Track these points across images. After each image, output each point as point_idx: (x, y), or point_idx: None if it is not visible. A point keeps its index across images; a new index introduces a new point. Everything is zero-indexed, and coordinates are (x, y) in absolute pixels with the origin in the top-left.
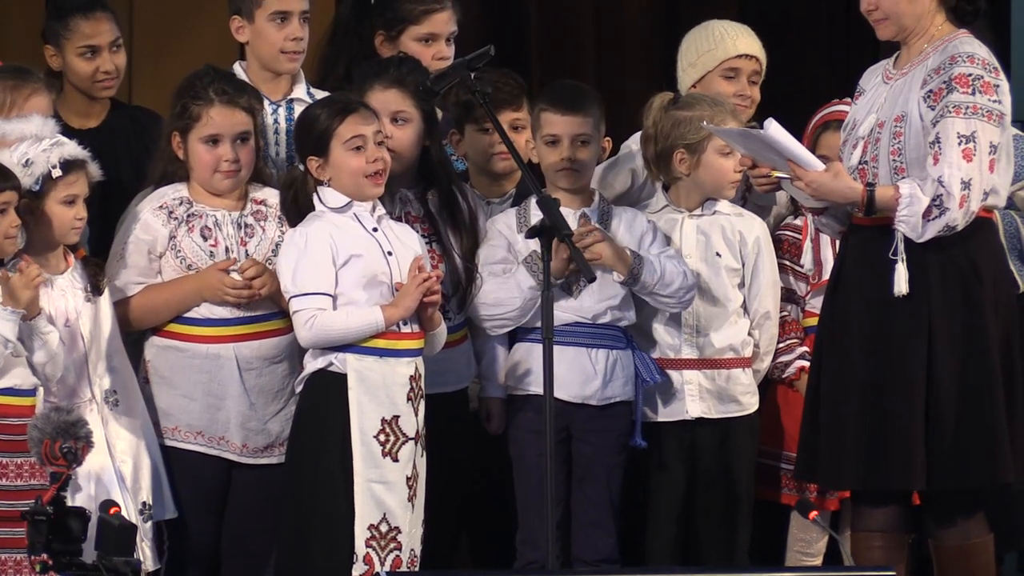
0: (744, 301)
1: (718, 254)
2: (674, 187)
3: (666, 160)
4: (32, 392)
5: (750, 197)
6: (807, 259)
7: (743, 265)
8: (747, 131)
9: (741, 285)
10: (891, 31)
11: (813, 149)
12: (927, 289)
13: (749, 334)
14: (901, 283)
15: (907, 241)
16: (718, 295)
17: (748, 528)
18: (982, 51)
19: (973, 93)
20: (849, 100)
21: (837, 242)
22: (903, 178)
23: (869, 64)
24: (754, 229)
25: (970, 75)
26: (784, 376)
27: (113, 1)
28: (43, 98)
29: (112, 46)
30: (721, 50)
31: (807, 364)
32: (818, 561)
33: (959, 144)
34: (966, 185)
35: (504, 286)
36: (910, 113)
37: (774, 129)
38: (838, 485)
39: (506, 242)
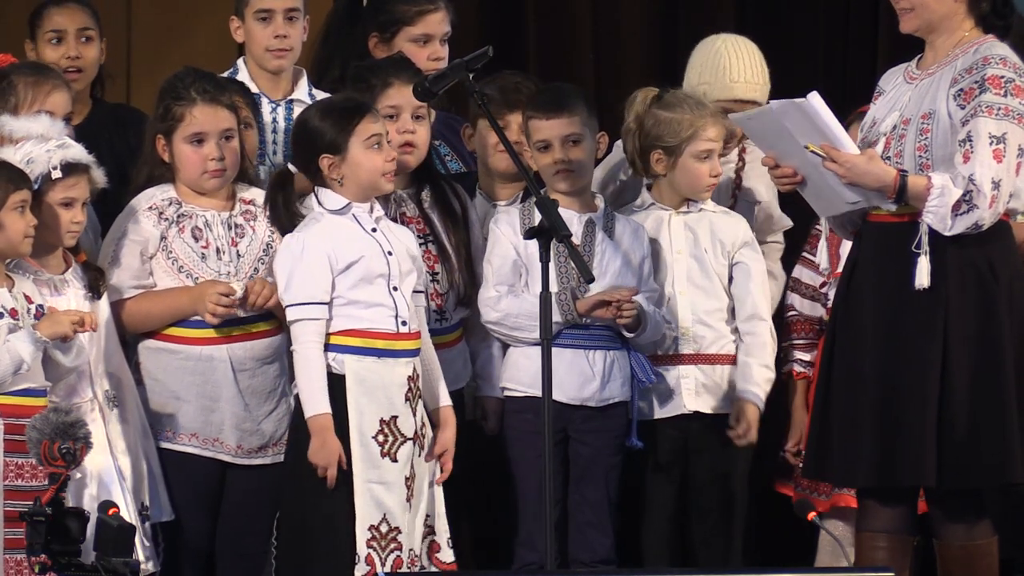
0: (731, 301)
1: (706, 250)
2: (656, 186)
3: (645, 157)
4: (44, 393)
5: (740, 195)
6: (822, 257)
7: (730, 266)
8: (783, 104)
9: (730, 283)
10: (914, 24)
11: None
12: (944, 287)
13: (742, 338)
14: (923, 276)
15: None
16: (709, 291)
17: (742, 526)
18: (1013, 55)
19: (1005, 95)
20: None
21: None
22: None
23: (867, 67)
24: (739, 230)
25: (1003, 77)
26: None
27: (112, 4)
28: (63, 95)
29: (80, 35)
30: (718, 89)
31: (798, 370)
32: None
33: (991, 144)
34: (996, 185)
35: (526, 309)
36: (938, 111)
37: (818, 101)
38: (850, 483)
39: (512, 247)
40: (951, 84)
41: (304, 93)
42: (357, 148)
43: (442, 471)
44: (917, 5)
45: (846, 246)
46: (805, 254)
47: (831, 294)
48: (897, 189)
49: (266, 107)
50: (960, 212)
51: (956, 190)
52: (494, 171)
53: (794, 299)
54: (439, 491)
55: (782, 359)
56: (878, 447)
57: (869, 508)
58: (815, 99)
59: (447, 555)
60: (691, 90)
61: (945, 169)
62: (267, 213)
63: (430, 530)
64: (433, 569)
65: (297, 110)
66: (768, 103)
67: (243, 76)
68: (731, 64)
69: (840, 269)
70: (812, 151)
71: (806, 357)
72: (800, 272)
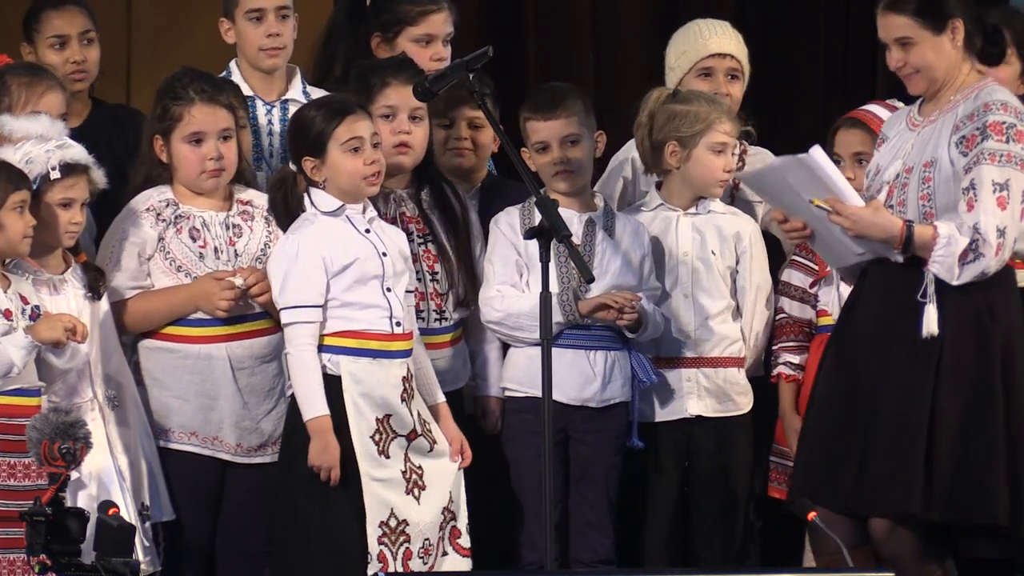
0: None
1: (713, 252)
2: (666, 185)
3: (658, 152)
4: (38, 392)
5: (738, 195)
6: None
7: (737, 263)
8: (786, 160)
9: (735, 283)
10: (923, 85)
11: (831, 147)
12: (942, 326)
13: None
14: (931, 325)
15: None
16: (715, 294)
17: (742, 527)
18: (1013, 100)
19: (1007, 141)
20: (881, 101)
21: None
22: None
23: (867, 67)
24: (747, 228)
25: (1004, 123)
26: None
27: (112, 4)
28: (57, 96)
29: (83, 38)
30: (693, 51)
31: (787, 372)
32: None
33: (994, 192)
34: (1001, 233)
35: (527, 309)
36: (940, 159)
37: (820, 155)
38: (831, 505)
39: (513, 247)
40: (953, 131)
41: (298, 92)
42: (335, 152)
43: (463, 458)
44: (921, 67)
45: None
46: (795, 257)
47: (821, 295)
48: (904, 240)
49: (260, 109)
50: (967, 261)
51: (963, 239)
52: (445, 169)
53: (783, 302)
54: (462, 478)
55: (771, 362)
56: (860, 474)
57: (819, 533)
58: (817, 153)
59: (466, 540)
60: (671, 70)
61: (948, 217)
62: (270, 213)
63: (452, 516)
64: (453, 554)
65: (292, 110)
66: (772, 161)
67: (236, 78)
68: (702, 29)
69: (829, 270)
70: (818, 205)
71: (795, 360)
72: (789, 275)
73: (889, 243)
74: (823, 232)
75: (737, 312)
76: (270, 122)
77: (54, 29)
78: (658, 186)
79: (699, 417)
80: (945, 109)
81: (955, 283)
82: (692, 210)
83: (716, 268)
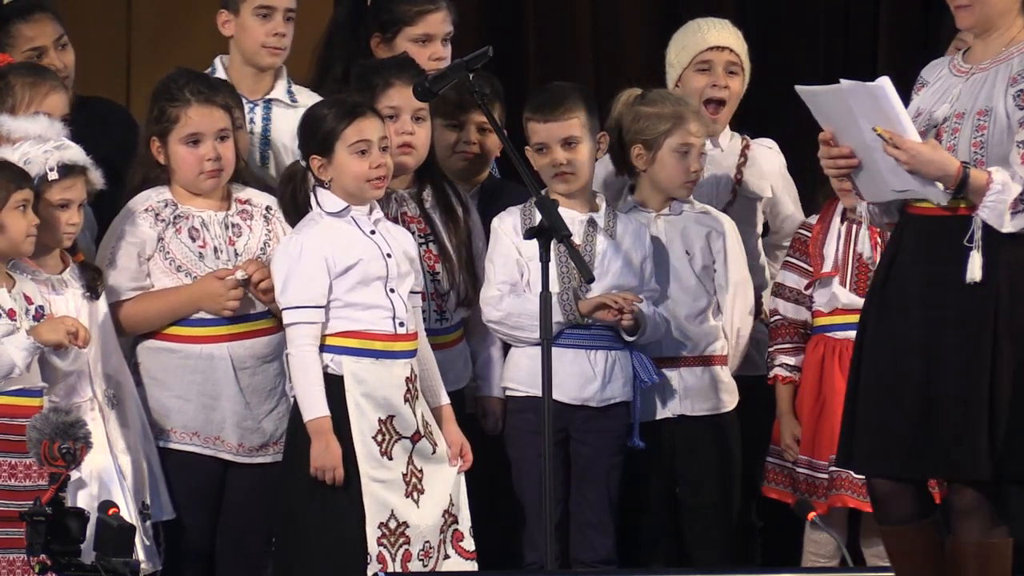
0: (717, 299)
1: (687, 252)
2: (638, 187)
3: (626, 154)
4: (40, 393)
5: (739, 190)
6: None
7: (714, 262)
8: (854, 85)
9: (713, 282)
10: (971, 20)
11: None
12: (995, 281)
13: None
14: (975, 270)
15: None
16: (694, 293)
17: (735, 524)
18: None
19: None
20: None
21: (852, 235)
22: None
23: (867, 68)
24: (723, 226)
25: None
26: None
27: (112, 4)
28: (60, 96)
29: (57, 44)
30: (692, 45)
31: (783, 374)
32: (833, 563)
33: None
34: None
35: (528, 309)
36: (996, 109)
37: (888, 86)
38: (894, 473)
39: (514, 247)
40: (1010, 84)
41: (283, 92)
42: (342, 152)
43: (463, 460)
44: (976, 1)
45: (829, 246)
46: (789, 258)
47: (816, 296)
48: (959, 180)
49: (244, 107)
50: (1018, 210)
51: (1015, 187)
52: (450, 172)
53: (778, 303)
54: (463, 481)
55: (767, 364)
56: (925, 439)
57: (886, 503)
58: (886, 84)
59: (469, 543)
60: (671, 66)
61: (1000, 167)
62: (279, 208)
63: (453, 519)
64: (456, 557)
65: (275, 109)
66: (839, 82)
67: (220, 75)
68: (700, 24)
69: (825, 269)
70: (879, 134)
71: (791, 361)
72: (784, 276)
73: (943, 182)
74: (869, 163)
75: (718, 310)
76: (252, 120)
77: (29, 42)
78: (631, 188)
79: (683, 416)
80: (998, 59)
81: (1003, 230)
82: (665, 211)
83: (694, 266)
